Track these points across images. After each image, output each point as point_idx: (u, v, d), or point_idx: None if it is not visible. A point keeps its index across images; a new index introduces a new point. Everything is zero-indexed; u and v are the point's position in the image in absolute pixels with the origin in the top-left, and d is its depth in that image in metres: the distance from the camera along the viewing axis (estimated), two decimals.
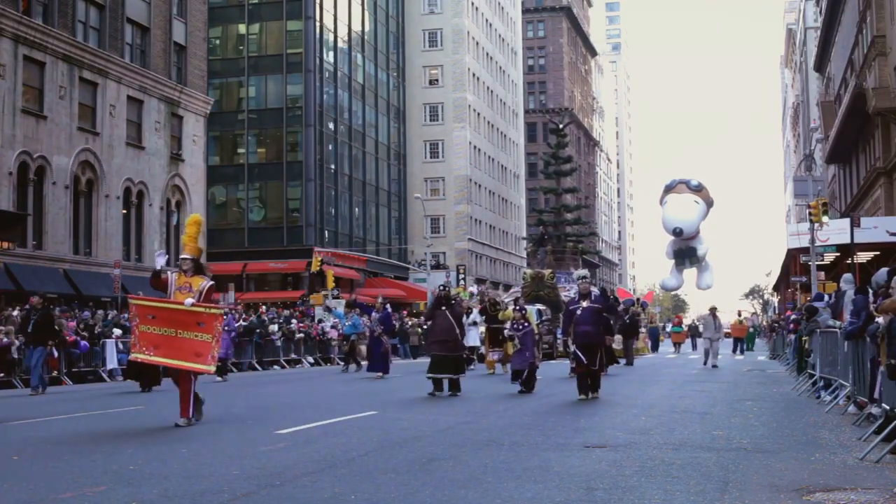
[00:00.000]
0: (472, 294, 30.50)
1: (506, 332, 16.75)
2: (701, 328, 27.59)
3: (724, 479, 6.96)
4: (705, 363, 26.15)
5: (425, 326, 23.69)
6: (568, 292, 40.29)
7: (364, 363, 24.26)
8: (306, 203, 51.86)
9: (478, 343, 25.01)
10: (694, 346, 45.89)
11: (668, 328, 51.51)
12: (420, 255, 61.40)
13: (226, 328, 21.26)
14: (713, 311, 27.22)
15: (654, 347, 43.04)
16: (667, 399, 14.55)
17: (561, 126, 73.22)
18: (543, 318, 29.83)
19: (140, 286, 34.46)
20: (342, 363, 27.49)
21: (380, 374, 21.11)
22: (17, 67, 31.21)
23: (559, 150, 71.87)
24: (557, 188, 71.59)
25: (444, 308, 15.55)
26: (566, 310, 14.98)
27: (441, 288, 16.27)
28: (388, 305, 24.04)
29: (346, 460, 7.91)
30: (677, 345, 44.90)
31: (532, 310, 31.83)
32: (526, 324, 16.34)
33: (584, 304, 14.37)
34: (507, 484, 6.71)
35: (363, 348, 27.66)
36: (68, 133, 33.36)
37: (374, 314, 22.70)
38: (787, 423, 11.16)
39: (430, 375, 15.41)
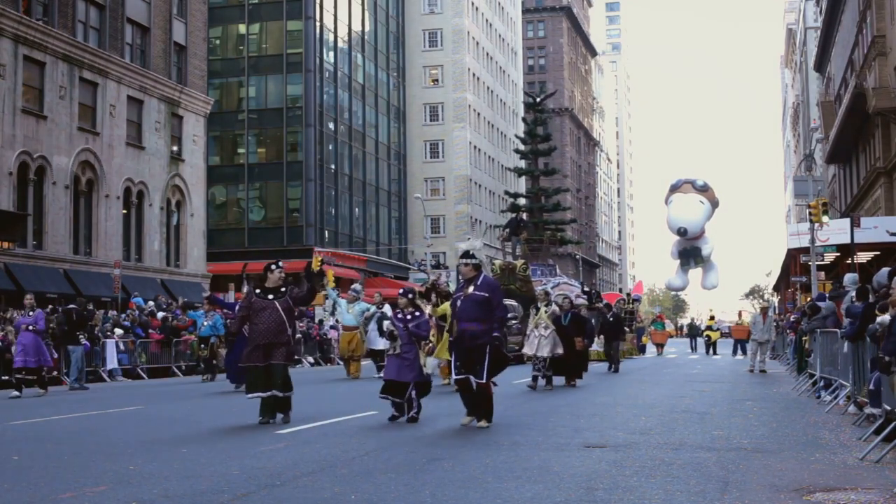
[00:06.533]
0: (356, 292, 22.51)
1: (385, 324, 11.70)
2: (752, 328, 24.96)
3: (724, 479, 6.96)
4: (752, 369, 23.38)
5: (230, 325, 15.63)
6: (545, 286, 36.92)
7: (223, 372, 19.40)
8: (306, 203, 51.89)
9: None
10: (693, 348, 45.56)
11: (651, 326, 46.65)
12: (420, 255, 61.39)
13: (30, 328, 17.85)
14: (764, 309, 25.05)
15: (641, 348, 40.08)
16: (667, 399, 14.54)
17: (538, 99, 66.56)
18: (510, 314, 26.80)
19: (140, 286, 34.55)
20: (202, 373, 22.27)
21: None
22: (17, 67, 31.20)
23: (536, 127, 64.98)
24: (534, 169, 64.77)
25: (271, 297, 10.96)
26: (451, 302, 10.98)
27: (276, 268, 11.18)
28: None
29: (346, 460, 7.90)
30: (659, 346, 41.53)
31: None
32: (417, 313, 11.48)
33: (468, 291, 10.36)
34: (507, 484, 6.70)
35: (224, 353, 21.67)
36: (68, 133, 33.35)
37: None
38: (787, 423, 11.16)
39: (250, 395, 11.12)
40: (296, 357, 18.75)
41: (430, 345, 14.74)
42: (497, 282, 11.48)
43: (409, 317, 11.25)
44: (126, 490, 6.55)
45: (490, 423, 10.26)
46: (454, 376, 10.43)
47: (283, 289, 11.04)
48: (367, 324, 21.09)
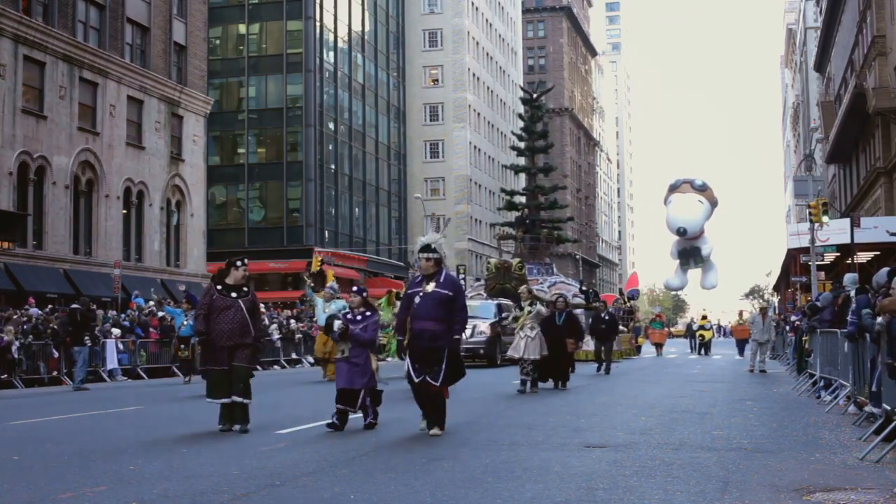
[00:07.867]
0: (333, 290, 21.07)
1: (336, 323, 10.37)
2: (751, 328, 24.74)
3: (724, 479, 6.96)
4: (752, 369, 23.33)
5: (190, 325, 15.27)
6: (541, 286, 35.74)
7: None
8: (306, 203, 51.90)
9: None
10: (692, 348, 45.45)
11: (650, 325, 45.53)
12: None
13: None
14: (764, 310, 25.04)
15: (637, 348, 39.01)
16: (667, 399, 14.53)
17: (534, 95, 64.65)
18: (504, 314, 25.94)
19: (139, 286, 34.53)
20: (182, 374, 21.47)
21: None
22: (17, 67, 31.19)
23: (532, 123, 62.99)
24: (531, 167, 62.93)
25: (234, 296, 10.22)
26: (404, 296, 10.10)
27: (241, 265, 10.48)
28: None
29: (346, 460, 7.90)
30: (658, 346, 40.65)
31: (491, 304, 27.73)
32: (368, 313, 10.41)
33: (429, 287, 9.49)
34: (507, 484, 6.70)
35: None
36: (68, 133, 33.34)
37: None
38: (787, 423, 11.15)
39: (210, 400, 10.31)
40: (260, 360, 18.11)
41: None
42: (459, 280, 10.56)
43: (359, 317, 10.25)
44: (126, 490, 6.55)
45: (443, 431, 9.51)
46: (415, 378, 9.53)
47: (245, 287, 10.35)
48: None
